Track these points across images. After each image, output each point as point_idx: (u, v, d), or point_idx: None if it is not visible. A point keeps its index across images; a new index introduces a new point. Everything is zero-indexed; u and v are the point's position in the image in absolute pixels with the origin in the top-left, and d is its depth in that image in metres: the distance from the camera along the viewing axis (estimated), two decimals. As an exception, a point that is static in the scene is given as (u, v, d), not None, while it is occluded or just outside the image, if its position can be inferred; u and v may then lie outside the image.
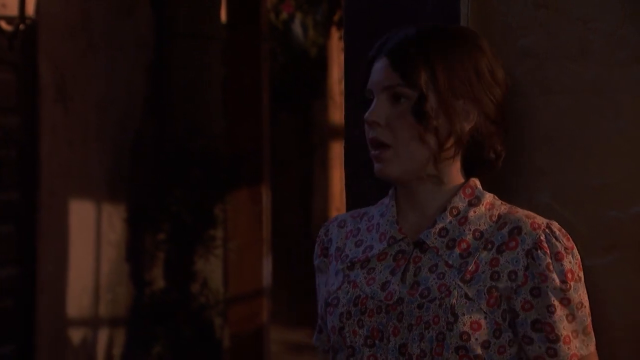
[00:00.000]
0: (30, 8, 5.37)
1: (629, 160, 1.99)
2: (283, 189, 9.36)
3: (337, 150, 8.46)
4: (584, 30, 2.02)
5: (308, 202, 9.81)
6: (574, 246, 1.83)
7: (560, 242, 1.81)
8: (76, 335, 5.76)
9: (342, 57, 7.03)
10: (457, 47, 1.84)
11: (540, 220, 1.83)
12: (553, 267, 1.79)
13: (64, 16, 5.66)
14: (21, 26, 5.25)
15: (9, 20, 5.27)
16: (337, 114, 8.46)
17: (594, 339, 1.84)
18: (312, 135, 9.72)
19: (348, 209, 2.15)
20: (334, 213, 8.38)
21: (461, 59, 1.83)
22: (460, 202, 1.86)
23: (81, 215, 5.79)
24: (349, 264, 1.91)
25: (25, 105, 5.42)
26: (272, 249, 6.72)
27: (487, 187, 1.92)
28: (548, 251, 1.80)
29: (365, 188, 1.92)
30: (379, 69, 1.85)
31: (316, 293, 2.01)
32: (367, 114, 1.85)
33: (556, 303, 1.79)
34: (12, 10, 5.25)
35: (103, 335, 5.98)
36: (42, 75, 5.47)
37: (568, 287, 1.79)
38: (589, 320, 1.83)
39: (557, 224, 1.84)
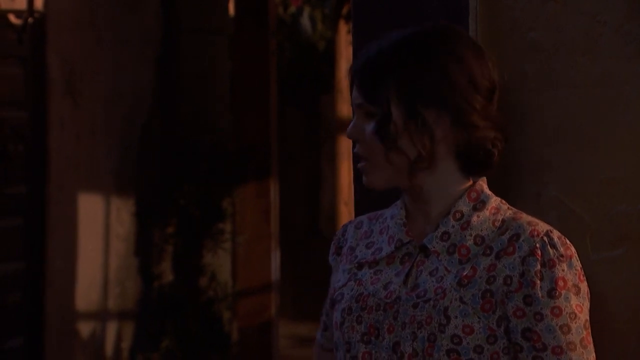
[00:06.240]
0: (39, 2, 5.37)
1: (637, 154, 1.99)
2: (291, 183, 9.35)
3: (345, 144, 8.44)
4: (591, 24, 2.02)
5: (316, 196, 9.81)
6: (574, 255, 1.80)
7: (556, 249, 1.78)
8: (85, 329, 5.78)
9: (350, 50, 7.02)
10: (420, 57, 1.82)
11: (542, 227, 1.81)
12: (542, 273, 1.77)
13: (72, 10, 5.67)
14: (30, 20, 5.26)
15: (17, 14, 5.28)
16: (344, 108, 8.44)
17: (593, 354, 1.79)
18: (320, 129, 9.71)
19: (356, 203, 2.16)
20: (341, 207, 8.37)
21: (426, 68, 1.81)
22: (464, 206, 1.85)
23: (89, 209, 5.80)
24: (357, 264, 1.92)
25: (33, 99, 5.42)
26: (279, 243, 6.72)
27: (496, 182, 1.92)
28: (540, 258, 1.78)
29: (373, 182, 1.93)
30: (353, 86, 1.89)
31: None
32: (347, 130, 1.89)
33: (545, 311, 1.76)
34: (21, 4, 5.26)
35: (111, 329, 5.99)
36: (51, 69, 5.48)
37: (557, 294, 1.76)
38: (585, 333, 1.78)
39: (558, 232, 1.81)
